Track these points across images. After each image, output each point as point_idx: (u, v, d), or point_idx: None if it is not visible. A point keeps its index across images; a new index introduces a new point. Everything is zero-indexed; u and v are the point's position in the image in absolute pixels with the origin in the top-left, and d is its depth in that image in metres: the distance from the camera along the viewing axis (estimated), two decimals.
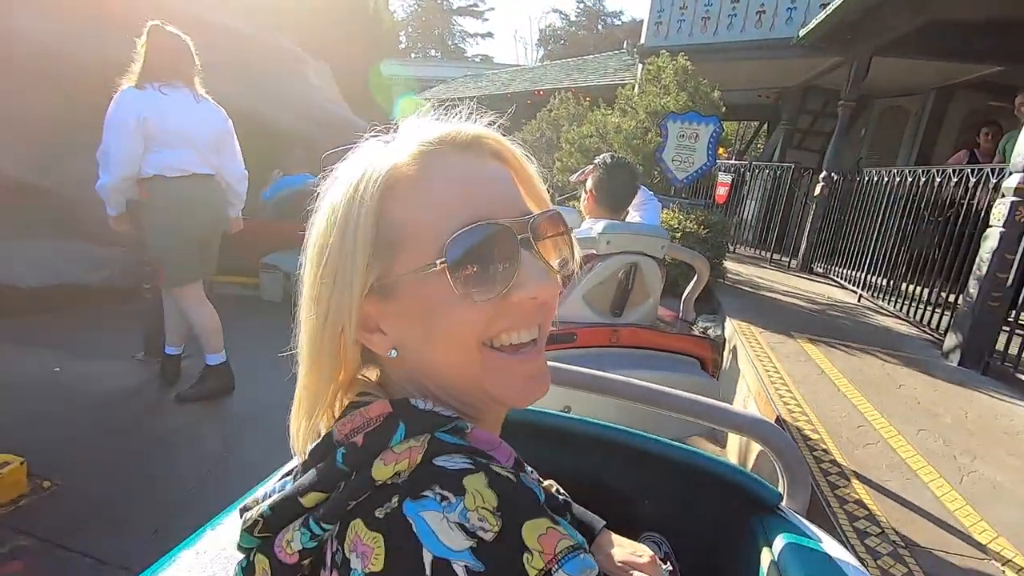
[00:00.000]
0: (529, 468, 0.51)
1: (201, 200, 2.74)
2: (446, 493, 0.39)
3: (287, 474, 0.54)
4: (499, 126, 0.54)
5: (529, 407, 0.99)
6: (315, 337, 0.49)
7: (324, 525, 0.42)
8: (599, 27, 31.93)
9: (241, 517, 0.49)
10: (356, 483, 0.42)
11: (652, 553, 0.79)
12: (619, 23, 30.74)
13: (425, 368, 0.50)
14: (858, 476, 1.99)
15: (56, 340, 3.38)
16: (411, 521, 0.38)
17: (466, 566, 0.36)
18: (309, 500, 0.44)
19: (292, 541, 0.43)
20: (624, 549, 0.78)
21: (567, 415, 1.00)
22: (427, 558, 0.36)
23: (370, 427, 0.45)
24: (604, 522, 0.82)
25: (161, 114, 2.53)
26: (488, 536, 0.37)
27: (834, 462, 2.08)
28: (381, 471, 0.41)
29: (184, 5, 5.19)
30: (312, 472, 0.45)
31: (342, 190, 0.49)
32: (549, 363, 0.95)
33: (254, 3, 7.05)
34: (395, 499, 0.39)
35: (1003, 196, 3.29)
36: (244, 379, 3.17)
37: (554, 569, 0.37)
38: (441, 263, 0.45)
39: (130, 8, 4.45)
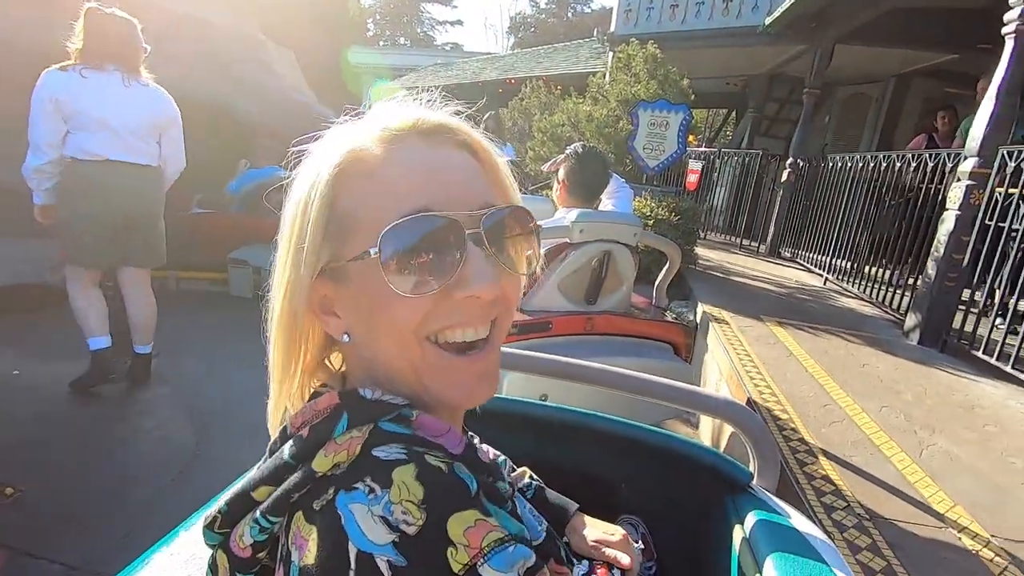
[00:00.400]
0: (494, 454, 0.51)
1: (114, 187, 2.60)
2: (374, 485, 0.38)
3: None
4: (467, 116, 0.53)
5: (505, 396, 1.00)
6: (277, 319, 0.49)
7: (271, 518, 0.42)
8: (569, 15, 31.83)
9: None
10: (299, 475, 0.42)
11: (624, 532, 0.81)
12: (589, 11, 30.70)
13: (372, 357, 0.49)
14: (825, 453, 2.06)
15: (15, 341, 3.25)
16: (341, 514, 0.37)
17: (389, 561, 0.35)
18: (260, 494, 0.44)
19: (243, 536, 0.44)
20: (597, 529, 0.81)
21: (544, 403, 1.00)
22: (352, 552, 0.36)
23: (317, 419, 0.45)
24: (577, 505, 0.84)
25: (74, 96, 2.45)
26: (411, 530, 0.36)
27: (802, 440, 2.14)
28: (321, 463, 0.41)
29: None
30: (262, 467, 0.45)
31: (306, 170, 0.49)
32: (526, 352, 0.96)
33: None
34: (331, 491, 0.39)
35: (959, 180, 3.41)
36: (214, 376, 3.11)
37: (479, 563, 0.36)
38: (375, 253, 0.44)
39: None
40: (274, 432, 0.51)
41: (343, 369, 0.55)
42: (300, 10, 15.15)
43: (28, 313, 3.73)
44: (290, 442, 0.45)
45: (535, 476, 0.84)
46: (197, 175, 5.14)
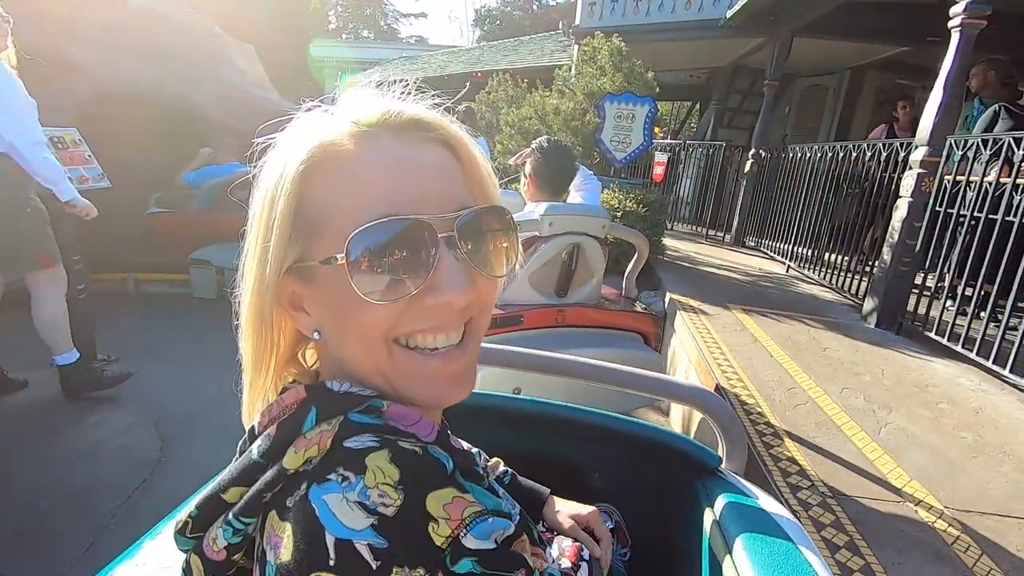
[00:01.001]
0: (467, 446, 0.51)
1: None
2: (347, 473, 0.38)
3: None
4: (445, 108, 0.51)
5: (479, 390, 1.00)
6: (247, 314, 0.49)
7: (244, 519, 0.41)
8: (534, 7, 31.73)
9: None
10: (272, 474, 0.41)
11: (594, 508, 0.84)
12: (554, 3, 30.65)
13: (341, 357, 0.48)
14: (790, 435, 2.13)
15: None
16: (315, 506, 0.37)
17: (369, 544, 0.35)
18: (231, 495, 0.43)
19: (216, 539, 0.43)
20: (568, 508, 0.84)
21: (517, 397, 1.01)
22: (330, 541, 0.35)
23: (284, 415, 0.44)
24: (549, 490, 0.86)
25: None
26: (390, 511, 0.36)
27: (768, 424, 2.21)
28: (293, 459, 0.40)
29: None
30: (232, 467, 0.44)
31: (272, 163, 0.47)
32: (498, 346, 0.97)
33: None
34: (304, 486, 0.39)
35: (911, 168, 3.55)
36: (178, 380, 3.03)
37: (462, 534, 0.37)
38: (342, 258, 0.42)
39: None
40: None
41: (315, 366, 0.54)
42: (259, 3, 14.74)
43: None
44: (258, 440, 0.44)
45: (509, 469, 0.85)
46: (154, 173, 4.98)
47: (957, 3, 3.29)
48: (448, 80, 13.25)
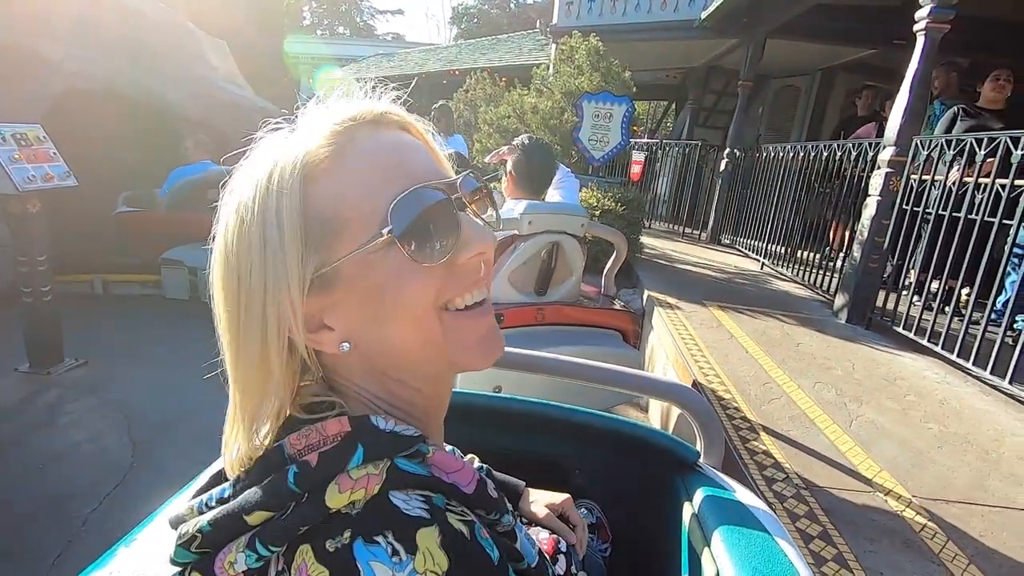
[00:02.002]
0: (492, 489, 0.51)
1: None
2: (398, 547, 0.37)
3: (214, 477, 0.51)
4: (407, 106, 0.54)
5: (461, 389, 1.00)
6: (252, 353, 0.45)
7: (272, 547, 0.40)
8: (511, 6, 31.76)
9: (173, 528, 0.45)
10: (308, 507, 0.40)
11: (568, 496, 0.86)
12: (531, 2, 30.70)
13: (382, 354, 0.48)
14: (765, 429, 2.17)
15: None
16: (360, 568, 0.37)
17: None
18: (255, 518, 0.41)
19: (236, 563, 0.41)
20: (542, 498, 0.86)
21: (498, 395, 1.01)
22: None
23: (325, 447, 0.43)
24: (524, 483, 0.88)
25: None
26: None
27: (744, 418, 2.25)
28: (336, 499, 0.39)
29: None
30: (258, 489, 0.42)
31: (252, 186, 0.46)
32: None
33: None
34: (347, 534, 0.38)
35: (879, 168, 3.65)
36: (151, 383, 2.96)
37: None
38: (388, 232, 0.44)
39: None
40: (230, 459, 0.47)
41: (325, 379, 0.52)
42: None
43: None
44: (294, 467, 0.42)
45: (485, 465, 0.85)
46: (123, 171, 4.85)
47: (922, 7, 3.39)
48: (425, 77, 13.17)
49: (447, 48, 17.74)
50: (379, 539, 0.38)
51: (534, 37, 13.35)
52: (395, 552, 0.37)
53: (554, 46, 8.01)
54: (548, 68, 7.00)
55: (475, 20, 31.35)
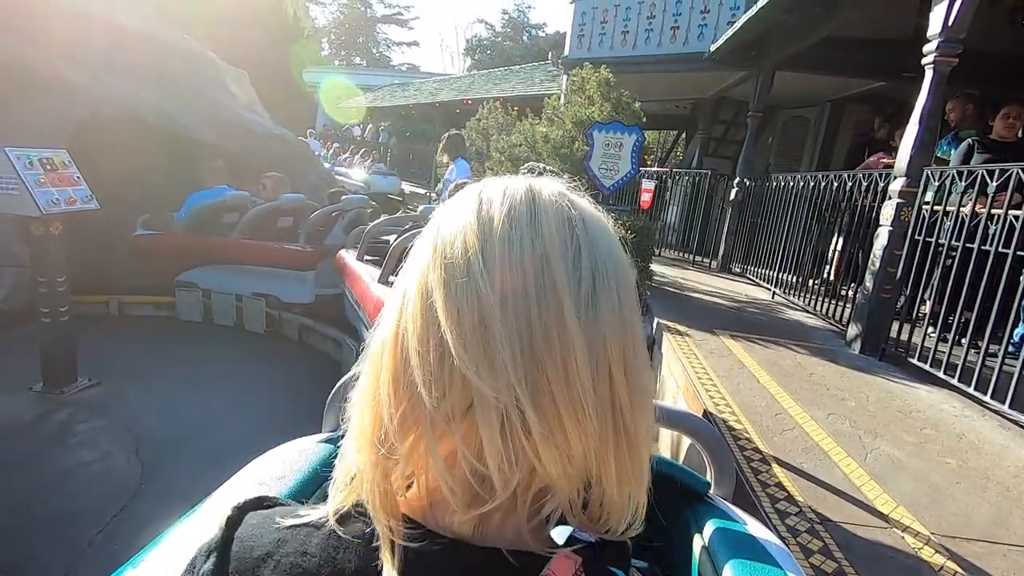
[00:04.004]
0: None
1: None
2: None
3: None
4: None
5: None
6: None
7: None
8: (524, 38, 32.51)
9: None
10: None
11: None
12: (543, 34, 31.44)
13: None
14: (777, 461, 2.13)
15: None
16: None
17: None
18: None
19: None
20: None
21: None
22: None
23: None
24: None
25: None
26: None
27: (756, 449, 2.21)
28: None
29: (95, 6, 4.83)
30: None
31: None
32: None
33: (168, 8, 6.67)
34: None
35: (890, 198, 3.65)
36: (161, 404, 2.97)
37: None
38: None
39: (40, 8, 4.09)
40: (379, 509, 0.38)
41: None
42: (256, 32, 14.94)
43: None
44: None
45: None
46: (142, 194, 4.96)
47: (929, 42, 3.44)
48: (439, 107, 13.41)
49: (461, 78, 18.13)
50: None
51: (546, 68, 13.64)
52: None
53: (566, 77, 8.17)
54: (560, 98, 7.13)
55: (488, 51, 32.09)
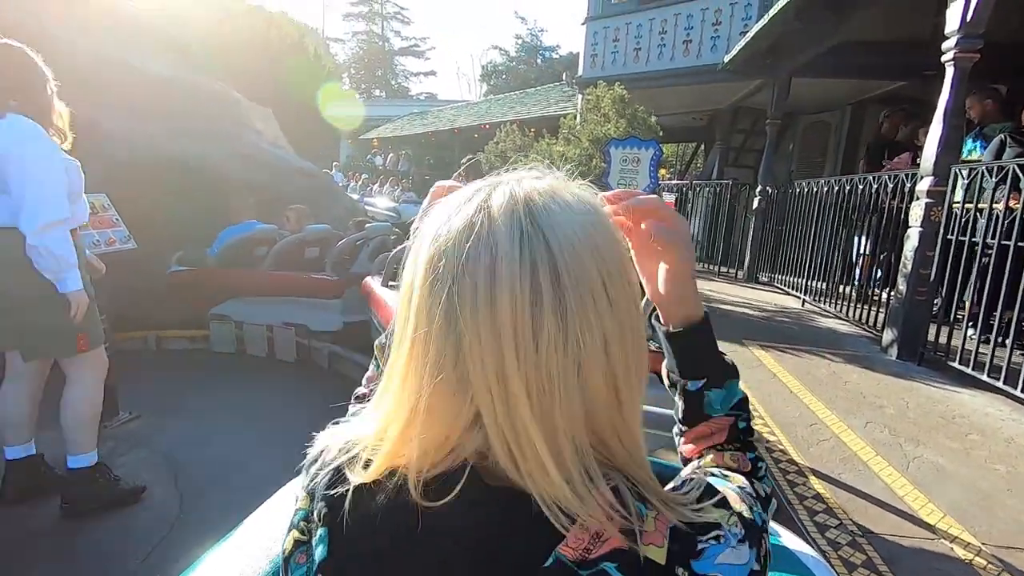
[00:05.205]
0: None
1: None
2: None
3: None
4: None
5: None
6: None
7: None
8: (538, 61, 33.00)
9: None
10: None
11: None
12: (557, 56, 31.85)
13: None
14: (814, 472, 2.07)
15: None
16: None
17: None
18: None
19: None
20: None
21: None
22: None
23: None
24: None
25: None
26: None
27: (791, 461, 2.16)
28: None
29: (121, 54, 5.12)
30: None
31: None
32: None
33: (194, 52, 7.01)
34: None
35: (918, 199, 3.56)
36: (199, 436, 3.05)
37: None
38: None
39: (76, 60, 4.35)
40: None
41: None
42: (279, 70, 15.54)
43: None
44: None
45: None
46: (176, 232, 5.16)
47: (948, 39, 3.39)
48: (457, 133, 13.65)
49: (478, 104, 18.45)
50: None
51: (561, 89, 13.81)
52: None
53: (580, 96, 8.26)
54: (575, 117, 7.20)
55: (504, 76, 32.65)
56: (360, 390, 0.74)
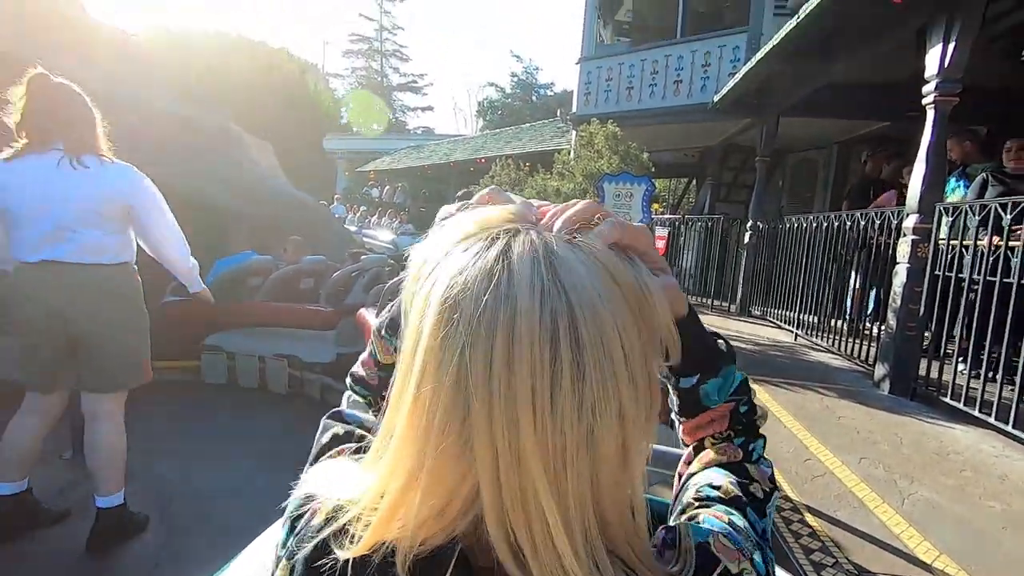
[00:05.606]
0: None
1: (49, 293, 2.09)
2: None
3: None
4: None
5: None
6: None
7: None
8: (533, 98, 33.79)
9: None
10: None
11: None
12: (551, 93, 32.65)
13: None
14: (809, 509, 2.06)
15: None
16: None
17: None
18: None
19: None
20: None
21: None
22: None
23: None
24: None
25: (1, 188, 2.05)
26: None
27: (786, 498, 2.15)
28: None
29: (127, 89, 5.22)
30: None
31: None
32: None
33: (196, 86, 7.17)
34: None
35: (904, 235, 3.64)
36: (189, 467, 3.00)
37: None
38: None
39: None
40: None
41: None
42: (279, 105, 15.83)
43: None
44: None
45: None
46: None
47: (927, 83, 3.52)
48: (453, 167, 13.85)
49: (474, 138, 18.78)
50: None
51: (555, 125, 14.11)
52: None
53: (574, 132, 8.44)
54: (569, 153, 7.35)
55: (499, 112, 33.34)
56: (357, 370, 0.72)
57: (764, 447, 0.59)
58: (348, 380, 0.72)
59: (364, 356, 0.73)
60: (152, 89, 5.75)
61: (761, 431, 0.62)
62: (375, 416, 0.65)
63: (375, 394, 0.70)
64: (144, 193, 2.28)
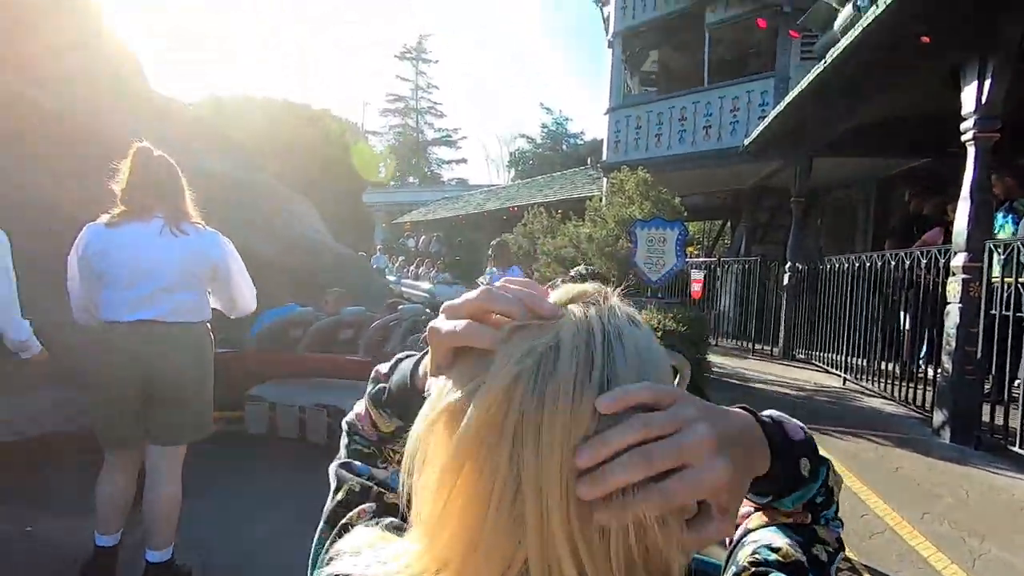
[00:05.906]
0: None
1: (131, 352, 2.18)
2: None
3: None
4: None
5: None
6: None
7: None
8: (564, 147, 34.54)
9: None
10: None
11: None
12: (581, 143, 33.33)
13: None
14: (869, 570, 1.93)
15: (31, 495, 3.22)
16: None
17: None
18: None
19: None
20: None
21: None
22: None
23: None
24: None
25: (104, 250, 2.17)
26: None
27: (845, 558, 2.02)
28: None
29: (178, 153, 5.62)
30: None
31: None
32: None
33: (244, 147, 7.66)
34: None
35: (954, 274, 3.50)
36: (227, 523, 3.03)
37: None
38: None
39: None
40: None
41: None
42: (321, 162, 16.67)
43: (30, 468, 3.72)
44: None
45: None
46: (218, 315, 5.41)
47: (966, 120, 3.46)
48: (487, 216, 14.15)
49: (506, 188, 19.24)
50: None
51: (586, 172, 14.36)
52: None
53: (605, 179, 8.57)
54: (601, 200, 7.44)
55: (531, 161, 34.14)
56: (355, 423, 0.70)
57: (837, 511, 0.54)
58: (344, 427, 0.71)
59: (360, 411, 0.70)
60: (203, 151, 6.17)
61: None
62: (381, 467, 0.65)
63: (376, 447, 0.69)
64: (232, 256, 2.50)
